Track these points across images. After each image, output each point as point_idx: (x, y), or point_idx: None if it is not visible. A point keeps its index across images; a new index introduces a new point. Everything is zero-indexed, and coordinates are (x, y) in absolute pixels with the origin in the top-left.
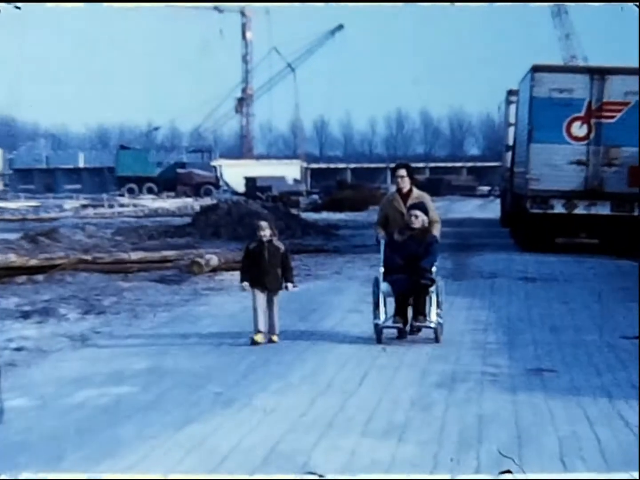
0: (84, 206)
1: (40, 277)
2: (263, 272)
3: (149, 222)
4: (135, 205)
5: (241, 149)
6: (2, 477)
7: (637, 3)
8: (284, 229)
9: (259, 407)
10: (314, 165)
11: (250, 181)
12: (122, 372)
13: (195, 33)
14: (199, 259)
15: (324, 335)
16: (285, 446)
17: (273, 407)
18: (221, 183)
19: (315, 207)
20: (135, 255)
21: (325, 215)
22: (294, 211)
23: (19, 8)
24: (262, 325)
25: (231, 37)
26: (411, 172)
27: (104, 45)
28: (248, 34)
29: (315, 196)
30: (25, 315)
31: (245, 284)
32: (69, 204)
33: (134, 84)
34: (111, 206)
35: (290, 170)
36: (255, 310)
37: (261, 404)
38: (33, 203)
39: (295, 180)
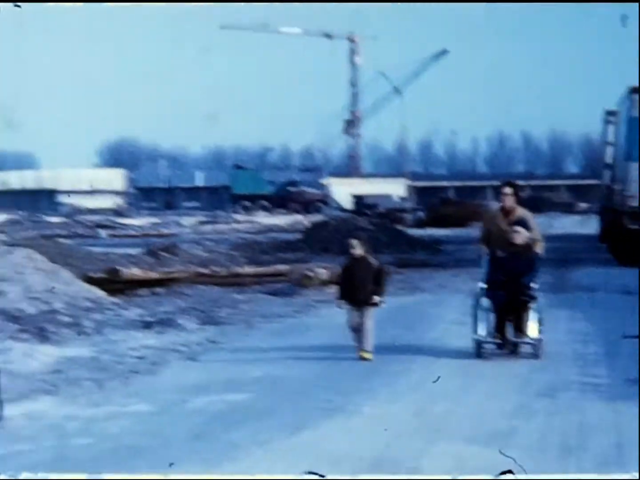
0: (202, 223)
1: (161, 289)
2: (355, 288)
3: (262, 238)
4: (249, 222)
5: (349, 168)
6: (2, 477)
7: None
8: (389, 244)
9: (369, 414)
10: (419, 183)
11: (357, 198)
12: (237, 380)
13: (304, 58)
14: (309, 273)
15: (429, 346)
16: (394, 452)
17: (381, 414)
18: (330, 200)
19: (419, 223)
20: (249, 269)
21: (429, 231)
22: (399, 227)
23: (19, 7)
24: (356, 341)
25: (340, 61)
26: (517, 190)
27: (221, 70)
28: (356, 59)
29: (420, 213)
30: (147, 326)
31: (340, 301)
32: (187, 221)
33: (248, 108)
34: (227, 223)
35: (396, 188)
36: (349, 326)
37: (370, 412)
38: (154, 220)
39: (401, 198)
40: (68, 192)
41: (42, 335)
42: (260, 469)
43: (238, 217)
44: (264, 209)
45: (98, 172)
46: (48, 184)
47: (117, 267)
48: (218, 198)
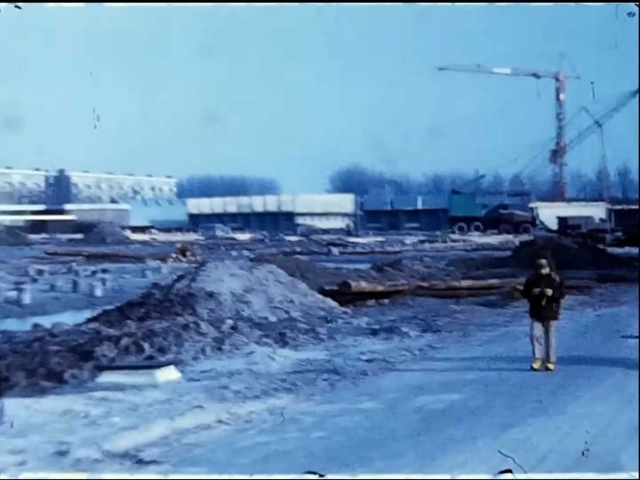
0: (422, 241)
1: (386, 300)
2: (538, 303)
3: (475, 255)
4: (464, 241)
5: (554, 193)
6: (2, 477)
7: (637, 3)
8: (591, 261)
9: (572, 414)
10: (618, 207)
11: (562, 220)
12: (453, 381)
13: (510, 96)
14: (519, 286)
15: (631, 353)
16: (597, 448)
17: (584, 414)
18: (537, 222)
19: (618, 243)
20: (465, 283)
21: (627, 249)
22: (600, 246)
23: (19, 7)
24: (539, 353)
25: (546, 98)
26: None
27: (436, 111)
28: (561, 96)
29: (618, 233)
30: (374, 333)
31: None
32: (409, 240)
33: (463, 138)
34: (444, 241)
35: (596, 211)
36: (531, 338)
37: (573, 412)
38: (380, 239)
39: (601, 220)
40: (304, 215)
41: (283, 340)
42: (473, 464)
43: (454, 236)
44: (477, 229)
45: (330, 196)
46: (287, 207)
47: (348, 281)
48: (436, 219)
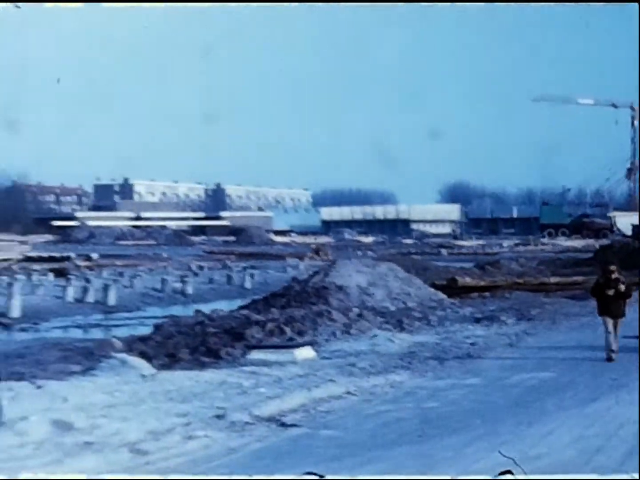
0: (517, 244)
1: (487, 294)
2: (608, 302)
3: (562, 256)
4: (552, 244)
5: (629, 204)
6: (2, 477)
7: (637, 3)
8: None
9: None
10: None
11: (636, 227)
12: (545, 361)
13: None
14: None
15: None
16: None
17: None
18: (614, 229)
19: None
20: (553, 279)
21: None
22: None
23: (19, 7)
24: (613, 345)
25: (622, 125)
26: None
27: (531, 141)
28: (635, 122)
29: None
30: (477, 320)
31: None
32: (506, 243)
33: (552, 160)
34: (536, 245)
35: None
36: (605, 333)
37: None
38: (481, 242)
39: None
40: (418, 221)
41: (400, 326)
42: (560, 432)
43: (544, 240)
44: (564, 234)
45: (440, 206)
46: (403, 215)
47: (455, 277)
48: (529, 226)
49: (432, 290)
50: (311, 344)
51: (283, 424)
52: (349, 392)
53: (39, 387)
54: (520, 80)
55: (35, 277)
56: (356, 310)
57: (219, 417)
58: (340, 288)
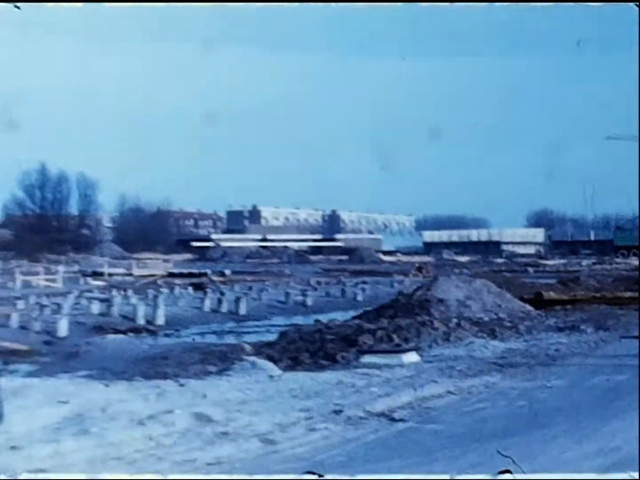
0: (594, 264)
1: (569, 306)
2: None
3: (634, 274)
4: (625, 264)
5: None
6: (2, 477)
7: (637, 3)
8: None
9: None
10: None
11: None
12: (620, 366)
13: None
14: None
15: None
16: None
17: None
18: None
19: None
20: (627, 294)
21: None
22: None
23: (18, 8)
24: None
25: None
26: None
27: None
28: None
29: None
30: (560, 329)
31: None
32: (584, 262)
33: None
34: (610, 264)
35: None
36: None
37: None
38: (562, 261)
39: None
40: (507, 243)
41: (493, 334)
42: (636, 426)
43: (618, 260)
44: (635, 255)
45: (526, 230)
46: (495, 238)
47: (541, 291)
48: (604, 248)
49: (521, 303)
50: (416, 349)
51: (392, 419)
52: (449, 392)
53: (181, 385)
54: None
55: (177, 291)
56: (455, 320)
57: (336, 412)
58: (440, 301)
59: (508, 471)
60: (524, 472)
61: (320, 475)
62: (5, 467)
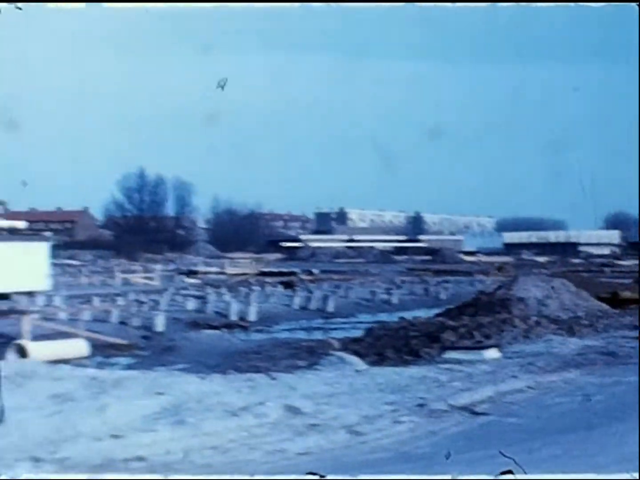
0: None
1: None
2: None
3: None
4: None
5: None
6: (2, 477)
7: (637, 3)
8: None
9: None
10: None
11: None
12: None
13: None
14: None
15: None
16: None
17: None
18: None
19: None
20: None
21: None
22: None
23: (19, 8)
24: None
25: None
26: None
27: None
28: None
29: None
30: (635, 327)
31: None
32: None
33: None
34: None
35: None
36: None
37: None
38: (637, 262)
39: None
40: (585, 244)
41: (571, 332)
42: None
43: None
44: None
45: (603, 232)
46: (573, 239)
47: (617, 290)
48: None
49: (598, 302)
50: (497, 345)
51: (474, 412)
52: (529, 387)
53: (273, 378)
54: None
55: (268, 289)
56: (534, 318)
57: (420, 405)
58: (520, 299)
59: (510, 472)
60: (525, 472)
61: (321, 476)
62: (106, 455)
